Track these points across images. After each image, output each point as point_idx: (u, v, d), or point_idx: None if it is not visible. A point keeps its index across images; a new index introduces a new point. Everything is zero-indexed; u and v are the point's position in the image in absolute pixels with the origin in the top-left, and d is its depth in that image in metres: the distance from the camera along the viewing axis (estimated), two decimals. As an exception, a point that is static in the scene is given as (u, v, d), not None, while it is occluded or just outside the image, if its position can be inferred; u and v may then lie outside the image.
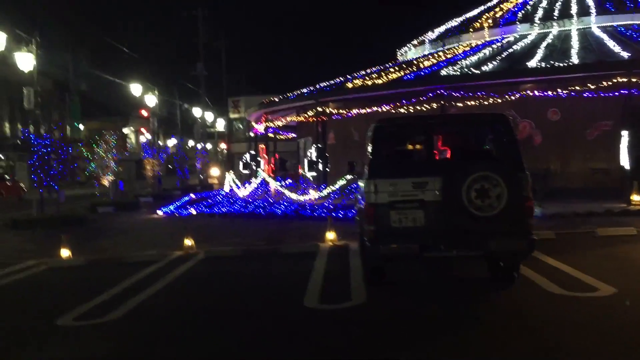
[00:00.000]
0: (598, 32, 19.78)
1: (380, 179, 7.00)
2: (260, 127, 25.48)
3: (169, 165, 38.03)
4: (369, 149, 7.31)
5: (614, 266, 8.42)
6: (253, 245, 12.05)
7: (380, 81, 19.17)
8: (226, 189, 26.45)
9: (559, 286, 7.27)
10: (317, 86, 22.72)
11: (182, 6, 47.09)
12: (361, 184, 8.48)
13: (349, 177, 17.85)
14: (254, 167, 26.63)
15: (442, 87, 16.87)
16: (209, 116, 50.49)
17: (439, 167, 6.90)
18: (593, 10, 21.11)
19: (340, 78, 23.18)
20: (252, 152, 27.02)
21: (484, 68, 17.19)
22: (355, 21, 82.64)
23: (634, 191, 15.02)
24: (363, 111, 19.17)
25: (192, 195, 25.22)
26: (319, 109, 19.66)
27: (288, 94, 23.17)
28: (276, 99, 23.34)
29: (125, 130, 53.66)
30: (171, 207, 21.05)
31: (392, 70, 21.25)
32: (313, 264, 9.85)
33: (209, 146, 51.33)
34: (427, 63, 20.51)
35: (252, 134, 50.57)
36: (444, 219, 6.82)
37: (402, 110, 18.19)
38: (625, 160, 15.25)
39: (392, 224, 6.93)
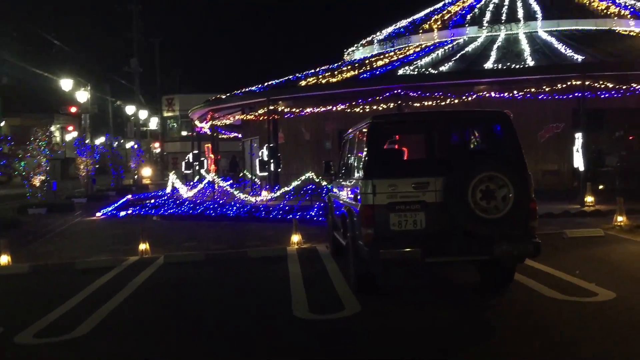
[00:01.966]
0: (545, 36, 20.18)
1: (379, 179, 6.53)
2: (205, 126, 24.53)
3: (96, 165, 36.22)
4: (365, 147, 6.82)
5: (601, 269, 8.31)
6: (214, 250, 11.33)
7: (335, 79, 18.76)
8: (168, 189, 25.35)
9: (558, 291, 7.04)
10: (268, 83, 22.08)
11: (117, 0, 44.96)
12: (347, 184, 8.00)
13: (304, 177, 17.39)
14: (197, 167, 25.66)
15: (399, 87, 16.66)
16: (143, 114, 48.65)
17: (441, 166, 6.50)
18: (539, 15, 21.56)
19: (291, 76, 22.64)
20: (195, 151, 26.00)
21: (442, 68, 17.11)
22: (297, 20, 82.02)
23: (587, 192, 15.31)
24: (317, 110, 18.70)
25: (129, 197, 23.99)
26: (271, 107, 19.03)
27: (235, 92, 22.39)
28: (223, 97, 22.50)
29: (52, 128, 50.90)
30: (110, 209, 19.88)
31: (344, 69, 20.90)
32: (287, 268, 9.29)
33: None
34: (380, 63, 20.29)
35: (190, 133, 49.24)
36: (447, 222, 6.43)
37: (357, 109, 17.85)
38: (578, 162, 15.50)
39: (392, 227, 6.48)
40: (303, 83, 19.76)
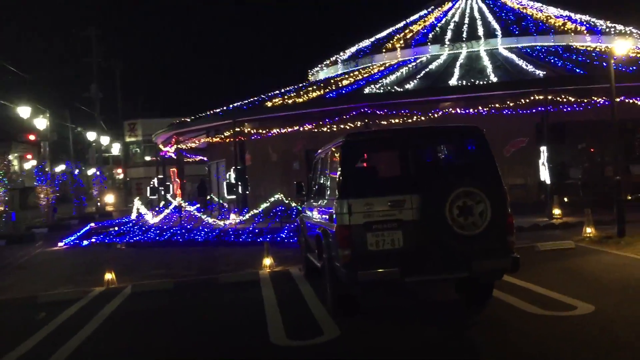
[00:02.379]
0: (506, 53, 20.53)
1: (354, 198, 6.38)
2: (170, 150, 24.12)
3: (57, 194, 35.28)
4: (339, 166, 6.68)
5: (577, 282, 8.29)
6: (184, 277, 11.01)
7: (301, 100, 18.68)
8: (133, 216, 24.75)
9: (537, 306, 6.96)
10: (234, 105, 21.87)
11: (74, 25, 44.29)
12: (320, 204, 7.83)
13: (273, 199, 17.16)
14: (163, 192, 25.16)
15: (366, 105, 16.66)
16: (105, 140, 47.74)
17: (417, 183, 6.40)
18: (499, 33, 21.97)
19: (256, 97, 22.49)
20: (160, 176, 25.52)
21: (407, 86, 17.20)
22: (259, 42, 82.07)
23: (554, 205, 15.49)
24: (284, 130, 18.55)
25: (92, 225, 23.35)
26: (237, 129, 18.81)
27: (200, 114, 22.11)
28: (188, 120, 22.18)
29: (9, 157, 49.52)
30: (73, 238, 19.26)
31: (310, 89, 20.86)
32: (260, 293, 9.03)
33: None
34: (345, 82, 20.31)
35: (154, 158, 48.29)
36: (425, 240, 6.31)
37: (324, 129, 17.78)
38: (545, 175, 15.69)
39: (369, 247, 6.32)
40: (269, 104, 19.63)
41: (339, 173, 6.66)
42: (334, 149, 7.18)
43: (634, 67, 16.94)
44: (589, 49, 21.14)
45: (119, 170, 56.94)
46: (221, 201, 23.10)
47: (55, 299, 9.75)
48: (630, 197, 17.20)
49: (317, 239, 7.59)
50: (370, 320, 7.07)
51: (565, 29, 22.51)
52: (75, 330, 7.44)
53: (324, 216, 7.32)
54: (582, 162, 19.27)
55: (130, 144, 56.15)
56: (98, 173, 39.94)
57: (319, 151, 8.66)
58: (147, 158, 55.20)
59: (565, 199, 16.77)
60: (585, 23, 23.42)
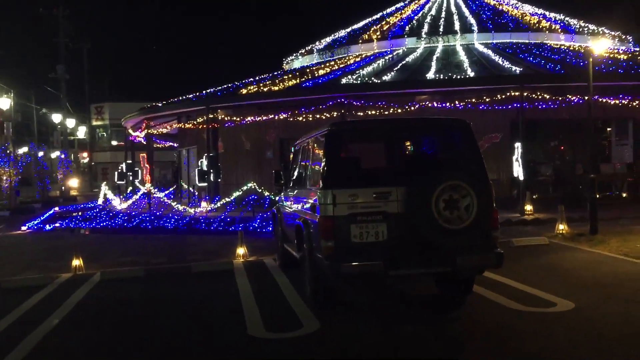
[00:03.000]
0: (482, 48, 20.60)
1: (339, 189, 6.22)
2: (140, 135, 23.60)
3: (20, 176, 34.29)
4: (323, 155, 6.50)
5: (553, 278, 8.30)
6: (154, 265, 10.71)
7: (277, 88, 18.42)
8: (100, 201, 24.19)
9: (517, 302, 6.94)
10: (208, 91, 21.46)
11: (41, 3, 42.93)
12: (301, 194, 7.66)
13: (245, 188, 16.92)
14: (131, 178, 24.65)
15: (343, 96, 16.51)
16: (71, 123, 46.53)
17: (403, 175, 6.27)
18: (475, 28, 22.02)
19: (230, 84, 22.13)
20: (129, 161, 24.97)
21: (385, 78, 17.09)
22: (233, 28, 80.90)
23: (527, 201, 15.62)
24: (258, 119, 18.28)
25: (57, 209, 22.73)
26: (210, 116, 18.46)
27: (173, 99, 21.66)
28: (159, 104, 21.70)
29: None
30: (36, 222, 18.69)
31: (286, 77, 20.59)
32: (235, 283, 8.83)
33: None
34: (321, 72, 20.11)
35: (121, 143, 47.30)
36: (410, 233, 6.19)
37: (300, 118, 17.57)
38: (518, 172, 15.80)
39: (353, 239, 6.18)
40: (244, 91, 19.31)
41: (322, 163, 6.49)
42: (317, 138, 7.00)
43: (608, 67, 17.15)
44: (563, 47, 21.37)
45: (85, 154, 55.72)
46: (191, 189, 22.73)
47: (20, 285, 9.38)
48: (598, 196, 17.47)
49: (297, 229, 7.43)
50: (350, 313, 6.95)
51: (540, 26, 22.71)
52: (41, 318, 7.13)
53: (305, 206, 7.16)
54: (553, 160, 19.51)
55: (97, 128, 54.99)
56: (63, 156, 38.95)
57: (300, 140, 8.47)
58: (114, 142, 54.14)
59: (535, 196, 16.94)
60: (559, 22, 23.66)
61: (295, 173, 8.48)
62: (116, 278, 9.74)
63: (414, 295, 7.69)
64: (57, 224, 18.34)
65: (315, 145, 7.05)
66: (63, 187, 36.93)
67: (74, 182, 41.22)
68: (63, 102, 44.72)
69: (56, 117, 43.56)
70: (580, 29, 23.20)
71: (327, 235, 6.20)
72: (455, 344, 5.77)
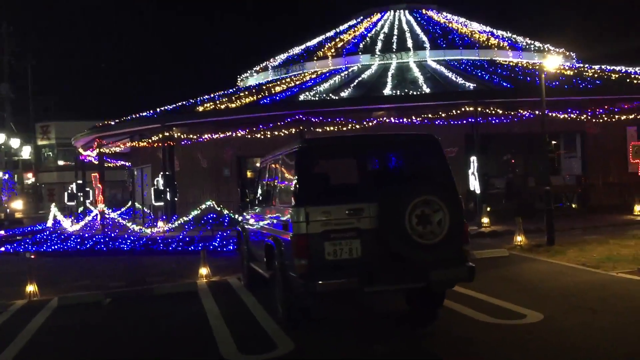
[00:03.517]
0: (434, 65, 21.02)
1: (312, 206, 6.17)
2: (91, 154, 22.96)
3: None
4: (294, 172, 6.45)
5: (518, 289, 8.45)
6: (114, 288, 10.37)
7: (234, 105, 18.27)
8: (49, 223, 23.36)
9: (487, 315, 7.02)
10: (162, 109, 21.11)
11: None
12: (270, 212, 7.56)
13: (204, 206, 16.64)
14: (82, 198, 23.92)
15: (301, 112, 16.52)
16: (15, 143, 44.90)
17: (374, 191, 6.27)
18: (427, 45, 22.47)
19: (185, 102, 21.84)
20: (79, 181, 24.26)
21: (342, 94, 17.21)
22: (182, 46, 79.87)
23: (483, 214, 15.93)
24: (215, 136, 18.08)
25: (2, 232, 21.86)
26: (166, 134, 18.15)
27: (126, 117, 21.20)
28: (112, 123, 21.21)
29: None
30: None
31: (242, 94, 20.47)
32: (201, 305, 8.64)
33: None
34: (278, 88, 20.10)
35: (67, 162, 45.77)
36: (383, 249, 6.18)
37: (258, 135, 17.47)
38: (474, 185, 16.11)
39: (327, 257, 6.12)
40: (200, 108, 19.08)
41: (294, 180, 6.43)
42: (287, 155, 6.95)
43: (556, 83, 17.76)
44: (511, 63, 22.02)
45: (29, 175, 53.87)
46: (145, 209, 22.21)
47: (-28, 313, 8.93)
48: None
49: (266, 247, 7.32)
50: (323, 331, 6.87)
51: (489, 44, 23.37)
52: (-1, 349, 6.79)
53: (275, 224, 7.07)
54: (507, 173, 20.00)
55: (43, 148, 53.37)
56: (7, 177, 37.55)
57: (267, 157, 8.40)
58: (61, 162, 52.61)
59: (489, 208, 17.30)
60: (506, 39, 24.41)
61: (263, 190, 8.39)
62: (75, 303, 9.38)
63: (385, 311, 7.68)
64: (5, 248, 17.62)
65: (285, 162, 6.99)
66: (8, 210, 35.56)
67: (18, 204, 39.77)
68: (7, 122, 43.27)
69: (-1, 137, 41.98)
70: (527, 46, 24.00)
71: (300, 254, 6.13)
72: (432, 359, 5.77)
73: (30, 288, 9.90)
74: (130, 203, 25.44)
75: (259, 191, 8.64)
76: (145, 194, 24.25)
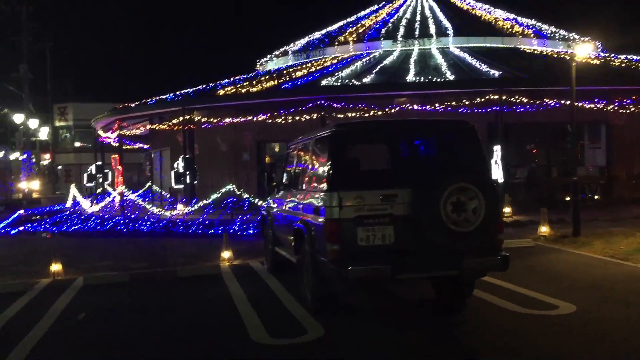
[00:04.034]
0: (457, 52, 20.75)
1: (345, 191, 6.08)
2: (111, 136, 23.02)
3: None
4: (328, 157, 6.35)
5: (547, 280, 8.33)
6: (136, 269, 10.38)
7: (255, 89, 18.17)
8: (69, 204, 23.51)
9: (518, 305, 6.92)
10: (183, 92, 21.06)
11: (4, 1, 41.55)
12: (300, 197, 7.48)
13: (224, 190, 16.62)
14: (101, 180, 24.03)
15: (323, 98, 16.38)
16: (34, 124, 45.18)
17: (409, 177, 6.17)
18: (450, 32, 22.18)
19: (205, 85, 21.77)
20: (99, 162, 24.35)
21: (365, 80, 17.04)
22: (202, 29, 79.67)
23: (506, 204, 15.75)
24: (236, 120, 18.01)
25: (22, 212, 22.02)
26: (186, 117, 18.10)
27: (148, 100, 21.18)
28: (132, 105, 21.21)
29: None
30: (2, 225, 18.05)
31: (263, 79, 20.35)
32: (226, 288, 8.62)
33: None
34: (299, 73, 19.95)
35: (82, 144, 46.14)
36: (416, 236, 6.09)
37: (278, 120, 17.38)
38: (497, 174, 15.92)
39: (359, 242, 6.04)
40: (221, 92, 19.00)
41: (327, 164, 6.34)
42: (320, 139, 6.85)
43: (583, 72, 17.40)
44: (536, 52, 21.69)
45: (47, 156, 54.25)
46: (163, 192, 22.26)
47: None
48: (568, 199, 17.75)
49: (295, 232, 7.25)
50: (352, 317, 6.81)
51: (513, 31, 23.02)
52: (27, 327, 6.78)
53: (305, 209, 6.99)
54: (528, 163, 19.77)
55: (60, 129, 53.64)
56: (25, 157, 37.85)
57: (296, 141, 8.31)
58: (78, 144, 52.90)
59: (510, 199, 17.13)
60: (531, 27, 24.03)
61: (290, 175, 8.31)
62: (100, 283, 9.41)
63: (412, 298, 7.60)
64: (24, 227, 17.75)
65: (317, 145, 6.89)
66: (27, 190, 35.90)
67: (35, 185, 40.14)
68: (26, 103, 43.40)
69: (18, 118, 42.26)
70: (552, 35, 23.61)
71: (332, 239, 6.06)
72: (466, 348, 5.69)
73: (55, 267, 9.94)
74: (147, 185, 25.53)
75: (286, 175, 8.56)
76: (163, 176, 24.32)
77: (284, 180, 8.71)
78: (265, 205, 10.17)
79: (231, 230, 14.54)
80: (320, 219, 6.31)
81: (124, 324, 7.03)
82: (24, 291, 8.89)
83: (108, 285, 9.34)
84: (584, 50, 13.45)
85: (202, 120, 18.62)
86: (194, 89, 21.47)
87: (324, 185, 6.32)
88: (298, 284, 7.51)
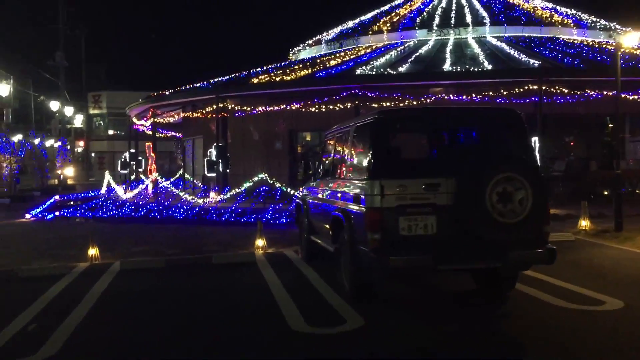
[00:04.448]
0: (494, 41, 20.34)
1: (387, 179, 5.96)
2: (145, 123, 23.22)
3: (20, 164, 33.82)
4: (369, 144, 6.23)
5: (590, 275, 8.10)
6: (170, 255, 10.42)
7: (289, 78, 18.09)
8: (103, 190, 23.84)
9: (561, 299, 6.72)
10: (216, 80, 21.09)
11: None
12: (340, 185, 7.39)
13: (256, 178, 16.62)
14: (134, 167, 24.29)
15: (357, 87, 16.21)
16: (69, 111, 45.95)
17: (453, 166, 6.02)
18: (487, 21, 21.76)
19: (239, 73, 21.78)
20: (132, 150, 24.60)
21: (400, 69, 16.81)
22: (232, 19, 79.92)
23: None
24: (269, 109, 17.97)
25: (57, 197, 22.38)
26: (220, 105, 18.12)
27: (181, 88, 21.28)
28: (167, 93, 21.33)
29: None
30: (39, 210, 18.37)
31: (296, 67, 20.26)
32: (262, 276, 8.58)
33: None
34: (333, 62, 19.80)
35: (115, 131, 46.69)
36: (460, 226, 5.95)
37: (312, 109, 17.28)
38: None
39: (401, 232, 5.92)
40: (255, 80, 18.96)
41: (368, 152, 6.21)
42: (360, 126, 6.72)
43: (627, 62, 16.90)
44: (576, 42, 21.14)
45: (81, 143, 55.14)
46: (195, 180, 22.40)
47: (38, 274, 9.12)
48: (606, 193, 17.31)
49: (333, 221, 7.15)
50: (391, 308, 6.69)
51: (553, 20, 22.47)
52: (69, 309, 6.85)
53: (345, 197, 6.88)
54: (566, 155, 19.31)
55: (94, 117, 54.41)
56: (60, 144, 38.48)
57: (334, 129, 8.20)
58: (111, 132, 53.62)
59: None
60: (571, 16, 23.43)
61: (329, 163, 8.21)
62: (136, 268, 9.48)
63: (451, 289, 7.46)
64: (60, 212, 18.03)
65: (358, 133, 6.77)
66: (62, 176, 36.53)
67: (69, 171, 40.84)
68: (62, 90, 44.09)
69: (54, 105, 43.01)
70: (593, 24, 22.99)
71: (374, 228, 5.95)
72: (512, 342, 5.54)
73: (92, 252, 10.05)
74: (179, 173, 25.72)
75: (323, 164, 8.46)
76: (195, 164, 24.47)
77: (319, 169, 8.61)
78: (300, 194, 10.09)
79: (264, 219, 14.52)
80: (361, 208, 6.20)
81: (163, 308, 7.03)
82: (63, 274, 9.00)
83: (144, 270, 9.40)
84: (631, 39, 12.97)
85: (236, 108, 18.62)
86: (227, 77, 21.48)
87: (365, 174, 6.21)
88: (335, 273, 7.42)
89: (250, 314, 6.64)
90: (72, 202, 21.23)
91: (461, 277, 7.52)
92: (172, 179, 24.14)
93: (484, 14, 22.32)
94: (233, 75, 21.54)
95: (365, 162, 6.31)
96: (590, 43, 21.00)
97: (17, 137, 39.89)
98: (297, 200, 10.12)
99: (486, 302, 6.80)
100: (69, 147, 44.55)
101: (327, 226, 7.61)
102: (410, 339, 5.63)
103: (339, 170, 7.49)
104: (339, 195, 7.21)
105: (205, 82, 21.17)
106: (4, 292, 8.19)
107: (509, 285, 6.84)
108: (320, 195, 8.31)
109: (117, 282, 8.45)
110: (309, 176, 9.17)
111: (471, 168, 5.91)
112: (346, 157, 7.20)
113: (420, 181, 5.99)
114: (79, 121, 53.56)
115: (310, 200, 9.03)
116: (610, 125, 19.29)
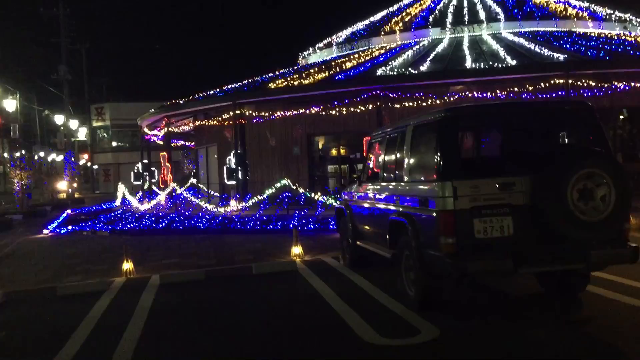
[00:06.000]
0: (511, 37, 20.05)
1: (459, 180, 5.65)
2: (158, 134, 22.92)
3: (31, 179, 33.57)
4: (436, 144, 5.90)
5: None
6: (207, 266, 10.09)
7: (307, 81, 17.79)
8: (118, 202, 23.52)
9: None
10: (232, 86, 20.80)
11: (40, 3, 42.01)
12: (399, 188, 7.06)
13: (279, 185, 16.29)
14: (147, 178, 23.98)
15: (378, 88, 15.90)
16: (74, 124, 45.69)
17: (527, 164, 5.71)
18: (501, 17, 21.46)
19: (254, 79, 21.49)
20: (145, 161, 24.30)
21: (421, 68, 16.51)
22: (237, 24, 79.63)
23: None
24: (288, 114, 17.66)
25: (69, 212, 22.08)
26: (237, 112, 17.82)
27: (197, 96, 20.98)
28: (181, 101, 21.02)
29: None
30: (55, 225, 18.07)
31: (312, 71, 19.95)
32: (309, 285, 8.26)
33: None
34: (349, 64, 19.49)
35: (118, 143, 46.55)
36: (537, 227, 5.63)
37: (332, 112, 16.98)
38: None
39: (476, 235, 5.60)
40: (272, 85, 18.66)
41: (436, 152, 5.88)
42: (422, 125, 6.41)
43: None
44: (593, 34, 20.84)
45: (85, 156, 54.85)
46: (210, 189, 22.07)
47: (76, 291, 8.80)
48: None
49: (392, 225, 6.82)
50: (461, 317, 6.33)
51: (567, 14, 22.18)
52: (121, 328, 6.52)
53: (406, 200, 6.56)
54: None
55: (98, 129, 54.14)
56: (67, 157, 38.18)
57: (382, 130, 7.89)
58: (115, 143, 53.33)
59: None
60: (585, 9, 23.15)
61: (378, 166, 7.89)
62: (177, 282, 9.16)
63: (517, 293, 7.14)
64: (78, 226, 17.73)
65: (420, 132, 6.45)
66: (70, 190, 36.22)
67: (74, 185, 40.55)
68: (66, 103, 43.88)
69: (59, 119, 42.72)
70: (608, 16, 22.68)
71: (447, 231, 5.63)
72: (609, 351, 5.19)
73: (127, 266, 9.75)
74: (189, 182, 25.45)
75: (373, 167, 8.14)
76: (203, 174, 24.15)
77: (369, 172, 8.30)
78: (342, 199, 9.78)
79: (291, 226, 14.23)
80: (430, 211, 5.88)
81: (223, 323, 6.69)
82: (102, 290, 8.69)
83: (185, 283, 9.09)
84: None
85: (253, 114, 18.31)
86: (240, 83, 21.19)
87: (432, 175, 5.89)
88: (389, 279, 7.09)
89: (315, 326, 6.31)
90: (85, 216, 20.94)
91: (525, 279, 7.19)
92: (182, 189, 23.88)
93: (498, 9, 22.03)
94: (249, 81, 21.25)
95: (430, 163, 5.99)
96: (608, 35, 20.70)
97: (24, 152, 39.70)
98: (339, 205, 9.80)
99: (560, 305, 6.46)
100: (73, 159, 44.30)
101: (381, 231, 7.29)
102: (498, 348, 5.30)
103: (392, 173, 7.17)
104: (396, 199, 6.88)
105: (218, 89, 20.87)
106: (48, 311, 7.86)
107: (580, 287, 6.52)
108: (369, 200, 7.99)
109: (161, 298, 8.10)
110: (353, 180, 8.85)
111: (548, 165, 5.59)
112: (403, 159, 6.87)
113: (494, 181, 5.68)
114: (82, 134, 53.31)
115: (355, 205, 8.71)
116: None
